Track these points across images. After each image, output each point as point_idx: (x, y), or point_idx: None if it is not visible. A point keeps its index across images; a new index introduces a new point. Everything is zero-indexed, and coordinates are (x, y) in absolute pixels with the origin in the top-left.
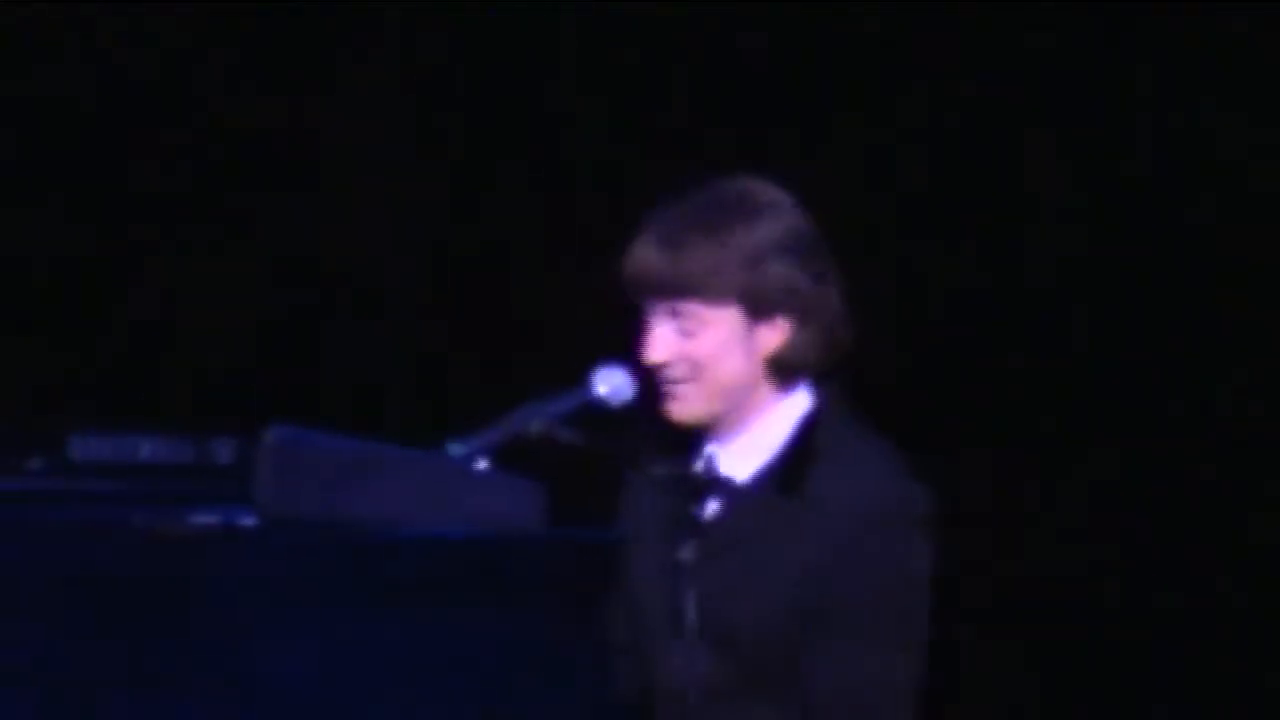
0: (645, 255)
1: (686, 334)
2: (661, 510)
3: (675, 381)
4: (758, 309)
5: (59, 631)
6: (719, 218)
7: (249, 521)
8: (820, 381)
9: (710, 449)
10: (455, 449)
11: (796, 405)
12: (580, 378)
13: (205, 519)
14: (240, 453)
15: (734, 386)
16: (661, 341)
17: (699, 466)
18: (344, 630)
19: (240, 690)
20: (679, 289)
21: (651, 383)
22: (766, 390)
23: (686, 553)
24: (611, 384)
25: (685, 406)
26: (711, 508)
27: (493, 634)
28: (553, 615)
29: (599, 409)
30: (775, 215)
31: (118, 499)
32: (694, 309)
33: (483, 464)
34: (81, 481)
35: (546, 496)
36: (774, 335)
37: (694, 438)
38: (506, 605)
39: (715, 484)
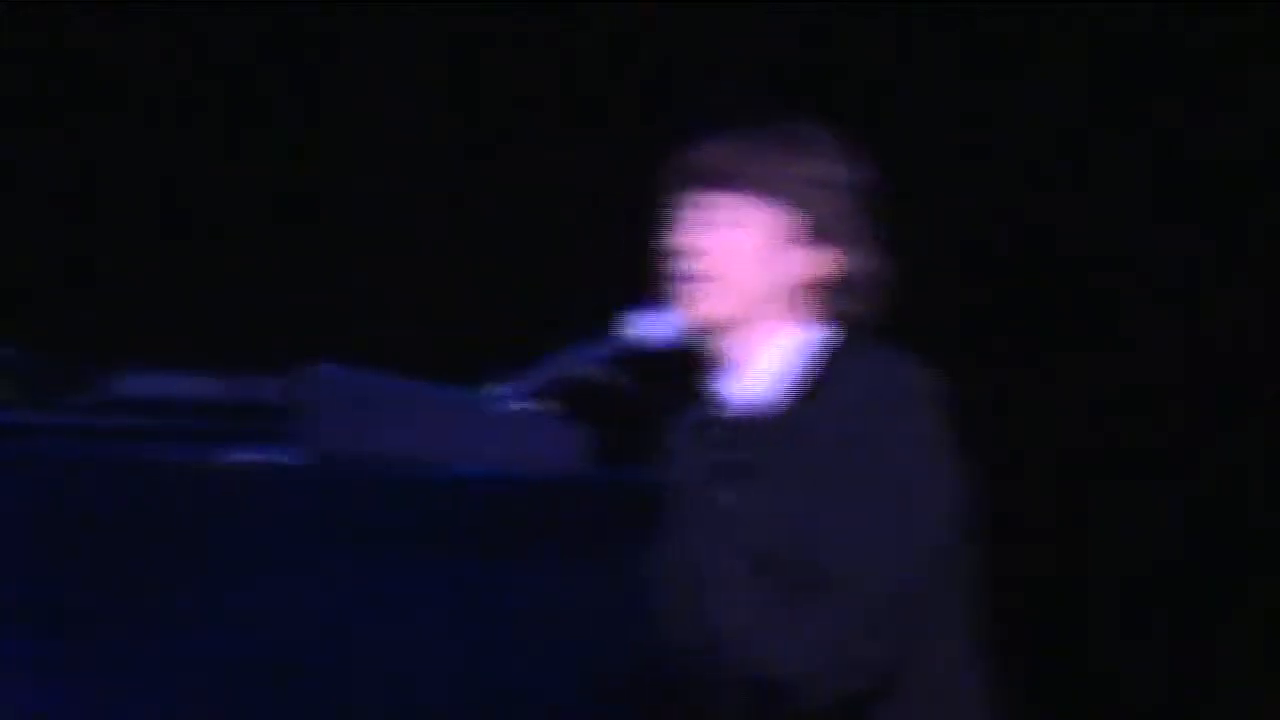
0: (710, 147)
1: (733, 225)
2: (699, 453)
3: (703, 277)
4: (804, 227)
5: (104, 566)
6: (790, 138)
7: (292, 459)
8: (842, 321)
9: (719, 385)
10: (497, 390)
11: (810, 337)
12: (620, 320)
13: (247, 456)
14: (284, 391)
15: (757, 297)
16: (701, 232)
17: (710, 404)
18: (386, 567)
19: (282, 624)
20: (740, 179)
21: (673, 287)
22: (784, 314)
23: (726, 495)
24: (652, 326)
25: (704, 306)
26: (721, 435)
27: (537, 574)
28: (593, 555)
29: (640, 351)
30: (838, 154)
31: (164, 435)
32: (741, 203)
33: (524, 405)
34: (127, 417)
35: (586, 438)
36: (810, 260)
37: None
38: (545, 548)
39: (746, 424)
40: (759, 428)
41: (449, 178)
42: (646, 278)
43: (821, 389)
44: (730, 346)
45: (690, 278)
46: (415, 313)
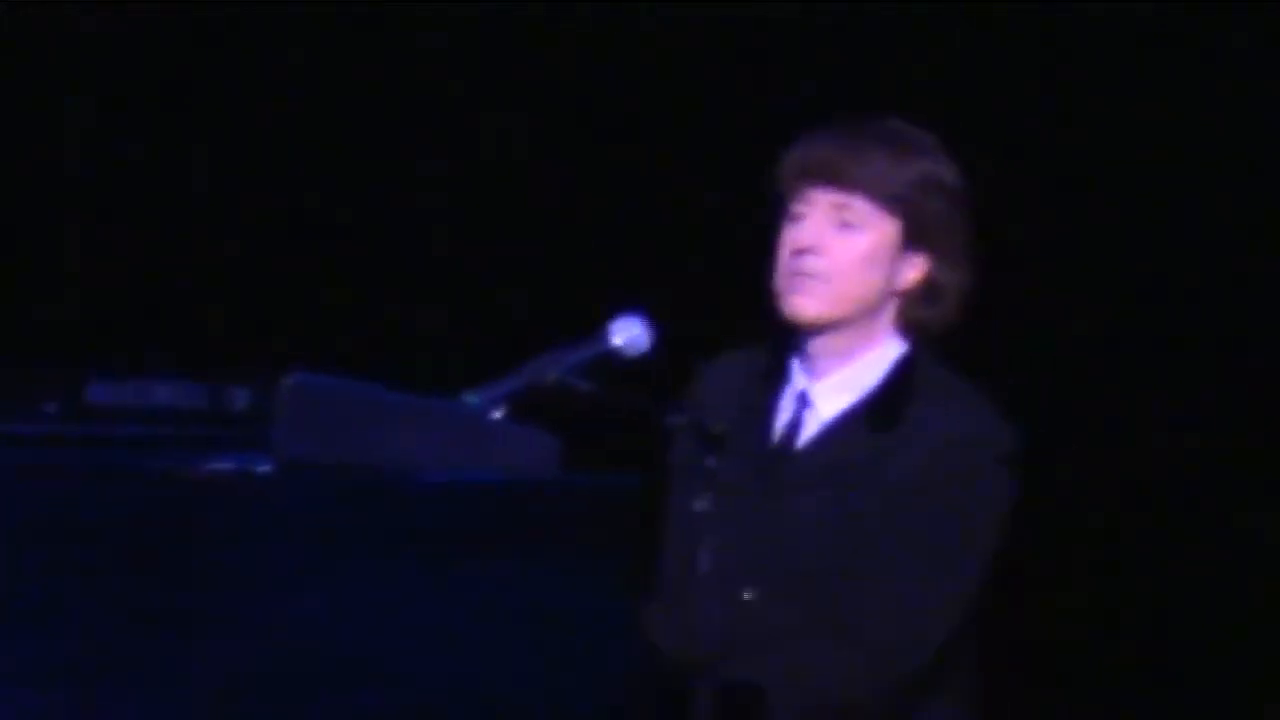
0: (827, 142)
1: (843, 227)
2: (683, 460)
3: (813, 274)
4: (914, 233)
5: (74, 576)
6: (902, 139)
7: (265, 467)
8: (917, 334)
9: (804, 385)
10: (471, 398)
11: (897, 347)
12: (597, 328)
13: (221, 464)
14: (257, 398)
15: (862, 302)
16: (817, 228)
17: (793, 406)
18: (358, 577)
19: (253, 636)
20: (855, 181)
21: (772, 280)
22: (884, 322)
23: (702, 504)
24: (628, 335)
25: (811, 302)
26: (803, 441)
27: (509, 580)
28: (570, 562)
29: (615, 359)
30: (948, 159)
31: (134, 443)
32: (862, 205)
33: (498, 413)
34: (97, 425)
35: (560, 446)
36: (916, 268)
37: (783, 366)
38: (525, 552)
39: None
40: (840, 444)
41: (429, 183)
42: (623, 284)
43: (901, 417)
44: (824, 347)
45: (802, 274)
46: (390, 319)
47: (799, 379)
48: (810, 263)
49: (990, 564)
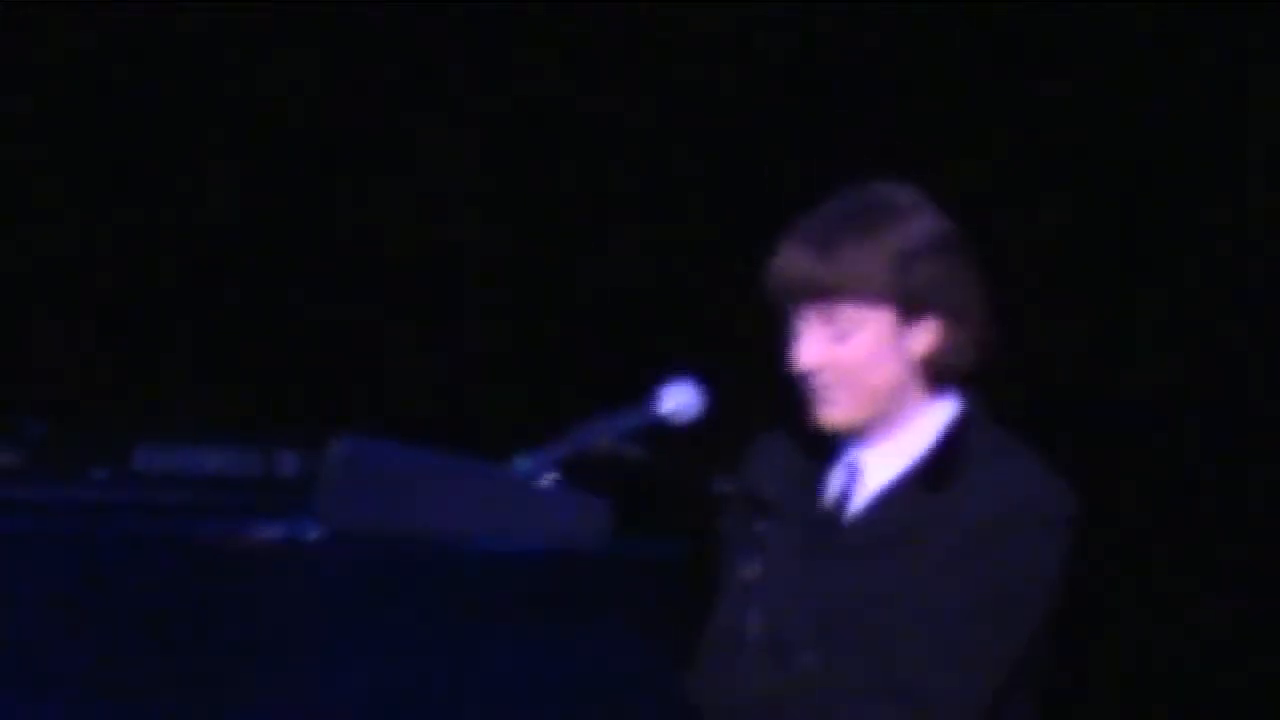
0: (796, 257)
1: (839, 338)
2: (734, 528)
3: (826, 387)
4: (910, 309)
5: (121, 642)
6: (868, 219)
7: (313, 534)
8: (966, 387)
9: (855, 452)
10: (522, 463)
11: (945, 409)
12: (648, 393)
13: (270, 531)
14: (305, 464)
15: (886, 390)
16: (812, 347)
17: (843, 474)
18: (407, 645)
19: (301, 704)
20: (832, 291)
21: (794, 390)
22: (917, 393)
23: (750, 572)
24: (678, 400)
25: (836, 412)
26: (855, 508)
27: (559, 650)
28: (619, 631)
29: (666, 424)
30: (922, 216)
31: (182, 510)
32: (847, 311)
33: (549, 479)
34: (146, 492)
35: (612, 512)
36: (926, 336)
37: (832, 441)
38: (573, 621)
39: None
40: (892, 509)
41: (479, 245)
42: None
43: (955, 479)
44: (866, 431)
45: (815, 389)
46: (441, 383)
47: (848, 448)
48: (818, 381)
49: (1043, 623)
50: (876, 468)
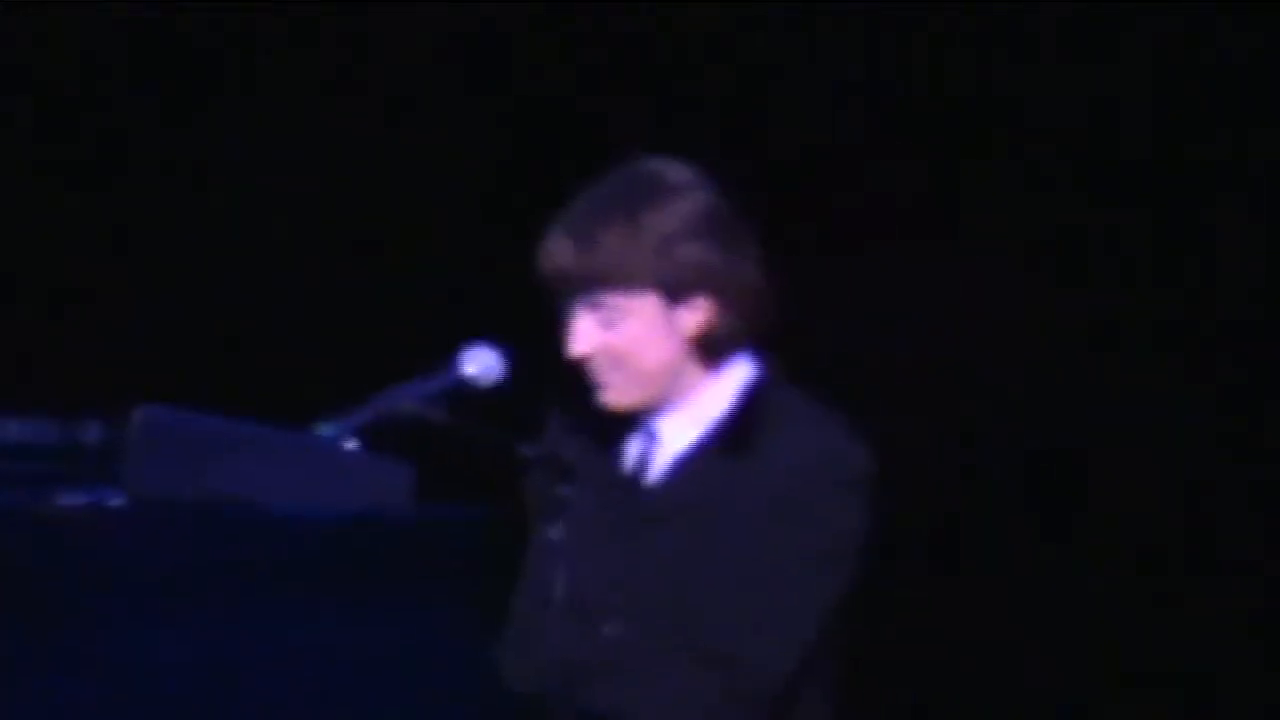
0: (558, 249)
1: (607, 324)
2: (539, 491)
3: (602, 372)
4: (675, 292)
5: None
6: (627, 204)
7: (117, 502)
8: (760, 353)
9: (653, 420)
10: (324, 429)
11: (736, 376)
12: (449, 358)
13: (73, 500)
14: (108, 433)
15: (662, 371)
16: (583, 335)
17: (641, 440)
18: (208, 613)
19: (107, 675)
20: (595, 281)
21: (575, 372)
22: (696, 369)
23: (557, 532)
24: (480, 364)
25: (617, 396)
26: (654, 474)
27: (363, 615)
28: (424, 595)
29: (468, 389)
30: (685, 196)
31: None
32: (612, 300)
33: (351, 444)
34: None
35: (414, 477)
36: (695, 316)
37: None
38: (377, 585)
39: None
40: (690, 477)
41: (282, 206)
42: (477, 314)
43: (753, 442)
44: (655, 407)
45: (593, 377)
46: (241, 350)
47: (647, 416)
48: (593, 368)
49: (847, 584)
50: (674, 434)
